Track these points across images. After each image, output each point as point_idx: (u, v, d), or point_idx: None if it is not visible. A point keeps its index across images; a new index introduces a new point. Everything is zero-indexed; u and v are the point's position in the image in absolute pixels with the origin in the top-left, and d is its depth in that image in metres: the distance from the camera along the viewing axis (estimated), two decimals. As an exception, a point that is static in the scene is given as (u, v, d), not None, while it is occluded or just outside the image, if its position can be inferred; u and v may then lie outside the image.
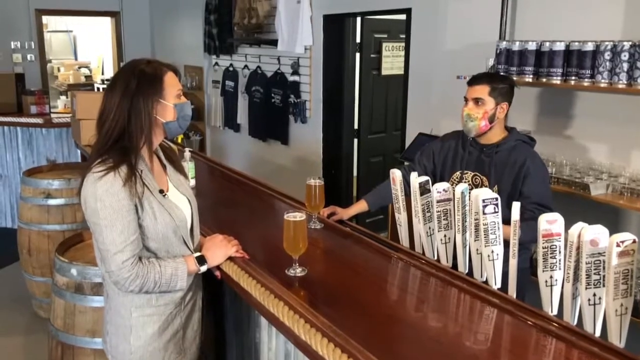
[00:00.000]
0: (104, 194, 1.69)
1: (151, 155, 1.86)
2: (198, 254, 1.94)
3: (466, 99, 2.49)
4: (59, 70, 11.15)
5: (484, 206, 1.87)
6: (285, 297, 1.72)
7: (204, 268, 1.93)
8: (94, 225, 1.74)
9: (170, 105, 1.84)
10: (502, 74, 2.58)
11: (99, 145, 1.78)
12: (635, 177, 2.78)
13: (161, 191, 1.85)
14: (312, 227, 2.35)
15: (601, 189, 2.81)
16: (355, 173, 5.52)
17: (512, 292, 1.85)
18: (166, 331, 1.91)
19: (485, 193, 1.88)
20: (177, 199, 1.91)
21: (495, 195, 1.89)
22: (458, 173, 2.55)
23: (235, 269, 1.94)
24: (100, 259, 1.82)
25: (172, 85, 1.85)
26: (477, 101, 2.43)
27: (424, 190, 2.13)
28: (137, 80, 1.78)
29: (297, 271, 1.92)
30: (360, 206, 2.65)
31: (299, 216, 1.88)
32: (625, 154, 2.93)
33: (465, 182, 2.48)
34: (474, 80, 2.49)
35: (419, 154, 2.78)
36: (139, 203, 1.75)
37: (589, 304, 1.61)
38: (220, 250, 1.99)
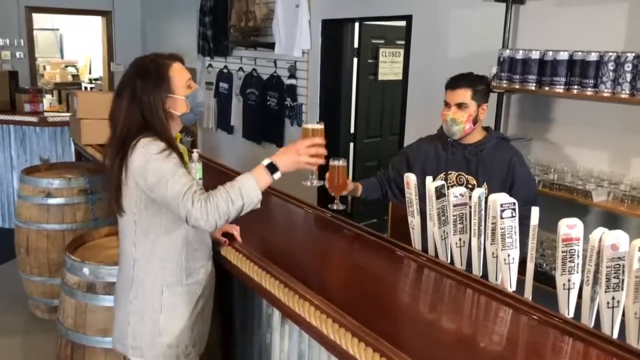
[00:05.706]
0: (158, 150, 1.75)
1: None
2: (267, 160, 1.82)
3: (447, 103, 2.52)
4: (44, 68, 11.05)
5: (502, 210, 1.91)
6: (311, 297, 1.74)
7: (277, 175, 1.82)
8: (158, 183, 1.73)
9: (182, 98, 1.88)
10: (477, 74, 2.62)
11: (115, 142, 1.83)
12: (636, 184, 2.86)
13: None
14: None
15: (602, 196, 2.88)
16: (350, 177, 5.50)
17: (529, 294, 1.89)
18: (193, 311, 1.96)
19: (503, 198, 1.93)
20: None
21: (513, 200, 1.93)
22: (442, 175, 2.60)
23: (256, 270, 1.96)
24: (176, 211, 1.76)
25: (179, 77, 1.88)
26: (460, 105, 2.47)
27: (440, 194, 2.17)
28: (142, 82, 1.81)
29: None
30: (357, 186, 2.74)
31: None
32: (625, 162, 3.01)
33: (450, 182, 2.55)
34: (455, 84, 2.51)
35: (392, 158, 2.86)
36: None
37: (608, 307, 1.66)
38: (292, 156, 1.85)
